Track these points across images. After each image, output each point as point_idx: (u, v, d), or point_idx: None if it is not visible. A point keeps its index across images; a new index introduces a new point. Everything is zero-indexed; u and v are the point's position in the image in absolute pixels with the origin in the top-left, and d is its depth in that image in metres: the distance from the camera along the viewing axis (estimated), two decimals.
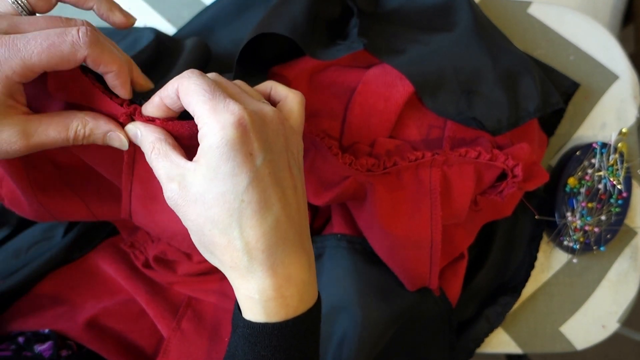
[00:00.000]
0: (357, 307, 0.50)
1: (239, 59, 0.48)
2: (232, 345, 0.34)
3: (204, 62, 0.58)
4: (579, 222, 0.61)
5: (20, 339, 0.48)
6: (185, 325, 0.53)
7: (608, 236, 0.62)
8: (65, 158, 0.44)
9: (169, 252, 0.53)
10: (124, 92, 0.35)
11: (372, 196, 0.49)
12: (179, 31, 0.63)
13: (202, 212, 0.31)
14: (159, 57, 0.57)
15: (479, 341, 0.59)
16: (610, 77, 0.65)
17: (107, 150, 0.40)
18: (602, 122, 0.65)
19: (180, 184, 0.32)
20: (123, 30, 0.61)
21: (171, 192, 0.32)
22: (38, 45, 0.31)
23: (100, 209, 0.48)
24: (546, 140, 0.63)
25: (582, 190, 0.61)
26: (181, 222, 0.34)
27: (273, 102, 0.38)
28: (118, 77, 0.34)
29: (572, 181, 0.61)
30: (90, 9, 0.37)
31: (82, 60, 0.32)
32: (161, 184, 0.33)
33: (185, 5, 0.64)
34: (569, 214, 0.61)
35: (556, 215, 0.61)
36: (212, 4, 0.63)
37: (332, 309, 0.51)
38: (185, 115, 0.34)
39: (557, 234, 0.62)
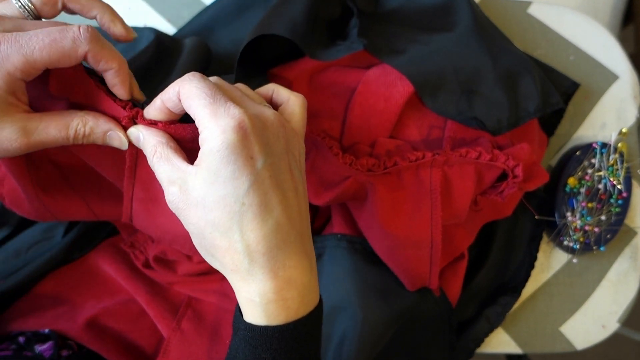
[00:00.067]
0: (357, 307, 0.50)
1: (239, 60, 0.48)
2: (233, 347, 0.34)
3: (206, 63, 0.58)
4: (579, 222, 0.61)
5: (21, 339, 0.48)
6: (185, 325, 0.53)
7: (608, 236, 0.62)
8: (66, 159, 0.44)
9: (169, 252, 0.53)
10: (123, 91, 0.35)
11: (372, 196, 0.49)
12: (179, 31, 0.63)
13: (203, 215, 0.31)
14: (160, 59, 0.57)
15: (479, 341, 0.60)
16: (610, 77, 0.65)
17: (109, 153, 0.40)
18: (602, 122, 0.65)
19: (181, 187, 0.32)
20: None
21: (172, 196, 0.32)
22: (40, 41, 0.31)
23: (101, 209, 0.48)
24: (546, 140, 0.63)
25: (582, 190, 0.61)
26: (182, 225, 0.34)
27: (275, 105, 0.38)
28: (118, 74, 0.34)
29: (572, 181, 0.61)
30: (94, 18, 0.37)
31: (83, 56, 0.32)
32: (163, 187, 0.33)
33: (185, 5, 0.64)
34: (569, 214, 0.61)
35: (556, 215, 0.61)
36: (212, 4, 0.63)
37: (332, 309, 0.51)
38: (187, 118, 0.34)
39: (557, 234, 0.62)
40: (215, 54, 0.60)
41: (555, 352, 0.63)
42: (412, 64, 0.51)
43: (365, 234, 0.52)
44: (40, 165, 0.43)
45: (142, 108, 0.35)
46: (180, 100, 0.32)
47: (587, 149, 0.62)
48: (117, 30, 0.37)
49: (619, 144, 0.62)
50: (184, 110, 0.33)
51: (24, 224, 0.55)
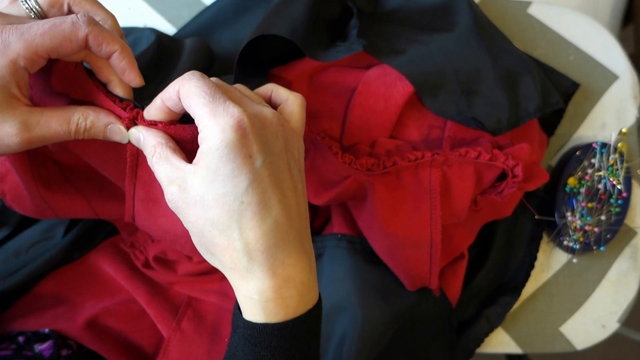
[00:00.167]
0: (357, 307, 0.50)
1: (238, 61, 0.48)
2: (232, 345, 0.35)
3: (208, 64, 0.58)
4: (579, 222, 0.61)
5: (21, 339, 0.48)
6: (185, 325, 0.53)
7: (608, 236, 0.62)
8: (67, 158, 0.44)
9: (169, 252, 0.53)
10: (134, 75, 0.36)
11: (372, 196, 0.49)
12: (179, 31, 0.63)
13: (202, 213, 0.32)
14: (160, 59, 0.57)
15: (479, 341, 0.60)
16: (610, 77, 0.65)
17: (110, 153, 0.40)
18: (602, 122, 0.65)
19: (180, 186, 0.32)
20: (122, 31, 0.60)
21: (171, 195, 0.33)
22: (40, 27, 0.31)
23: (102, 207, 0.48)
24: (546, 140, 0.63)
25: (582, 190, 0.61)
26: (183, 225, 0.34)
27: (274, 105, 0.39)
28: (123, 55, 0.35)
29: (572, 181, 0.61)
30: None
31: (84, 40, 0.32)
32: (162, 187, 0.33)
33: (185, 5, 0.64)
34: (569, 214, 0.61)
35: (556, 215, 0.61)
36: (212, 4, 0.63)
37: (332, 309, 0.51)
38: (188, 118, 0.34)
39: (557, 234, 0.62)
40: (215, 55, 0.60)
41: (555, 352, 0.63)
42: (412, 64, 0.51)
43: (365, 233, 0.52)
44: (43, 162, 0.43)
45: (142, 108, 0.35)
46: (180, 99, 0.33)
47: (587, 149, 0.62)
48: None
49: (619, 144, 0.62)
50: (184, 109, 0.33)
51: (24, 224, 0.55)
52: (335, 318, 0.51)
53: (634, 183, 0.64)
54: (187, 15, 0.64)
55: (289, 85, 0.51)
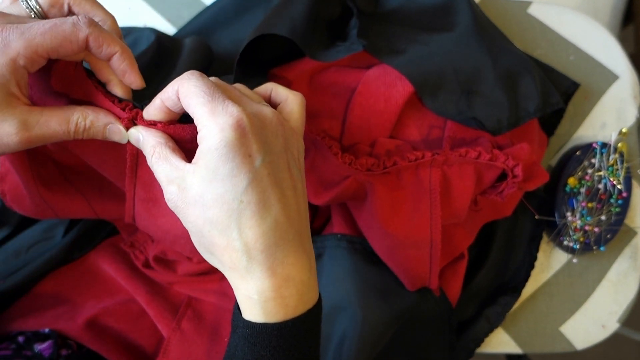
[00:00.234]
0: (357, 307, 0.50)
1: (239, 60, 0.48)
2: (232, 345, 0.35)
3: (207, 63, 0.58)
4: (579, 222, 0.61)
5: (20, 339, 0.48)
6: (185, 325, 0.53)
7: (608, 236, 0.62)
8: (67, 159, 0.44)
9: (169, 252, 0.53)
10: (134, 76, 0.36)
11: (372, 196, 0.49)
12: (179, 31, 0.63)
13: (201, 213, 0.32)
14: (160, 59, 0.57)
15: (479, 341, 0.60)
16: (610, 77, 0.65)
17: (110, 153, 0.40)
18: (602, 122, 0.65)
19: (179, 186, 0.32)
20: (122, 31, 0.60)
21: (171, 195, 0.33)
22: (41, 27, 0.31)
23: (102, 207, 0.48)
24: (546, 140, 0.63)
25: (582, 190, 0.61)
26: (183, 225, 0.34)
27: (274, 104, 0.38)
28: (124, 57, 0.35)
29: (572, 181, 0.61)
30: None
31: (84, 42, 0.32)
32: (162, 187, 0.33)
33: (185, 5, 0.64)
34: (569, 214, 0.61)
35: (556, 215, 0.61)
36: (212, 4, 0.63)
37: (332, 309, 0.51)
38: (188, 118, 0.34)
39: (557, 234, 0.62)
40: (215, 54, 0.60)
41: (555, 352, 0.63)
42: (412, 64, 0.51)
43: (365, 233, 0.52)
44: (42, 162, 0.43)
45: (142, 108, 0.35)
46: (179, 99, 0.32)
47: (587, 149, 0.62)
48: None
49: (619, 144, 0.62)
50: (183, 109, 0.33)
51: (24, 224, 0.55)
52: (335, 318, 0.51)
53: (634, 183, 0.64)
54: (187, 15, 0.64)
55: (289, 85, 0.51)
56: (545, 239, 0.64)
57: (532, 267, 0.61)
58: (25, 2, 0.35)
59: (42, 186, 0.44)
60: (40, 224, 0.55)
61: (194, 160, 0.32)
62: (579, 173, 0.61)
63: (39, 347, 0.47)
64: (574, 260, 0.64)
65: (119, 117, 0.35)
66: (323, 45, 0.52)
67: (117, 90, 0.37)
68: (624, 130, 0.64)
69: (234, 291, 0.34)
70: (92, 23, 0.33)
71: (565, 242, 0.61)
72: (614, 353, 1.27)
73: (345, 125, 0.52)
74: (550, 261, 0.64)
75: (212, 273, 0.55)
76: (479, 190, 0.52)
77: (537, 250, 0.62)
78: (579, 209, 0.61)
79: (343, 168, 0.47)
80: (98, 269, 0.55)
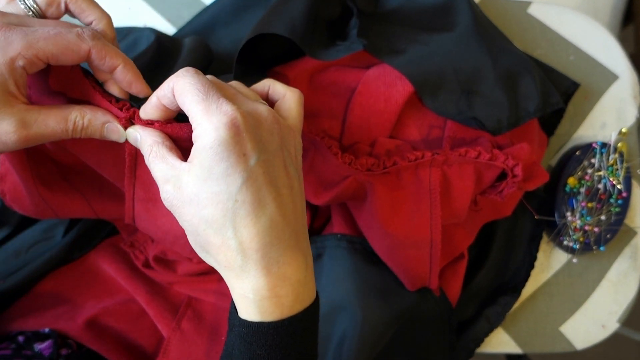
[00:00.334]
0: (357, 307, 0.50)
1: (238, 59, 0.48)
2: (229, 344, 0.35)
3: (207, 63, 0.58)
4: (578, 222, 0.61)
5: (20, 338, 0.48)
6: (185, 325, 0.53)
7: (608, 236, 0.62)
8: (66, 159, 0.44)
9: (169, 252, 0.53)
10: (142, 86, 0.36)
11: (371, 196, 0.49)
12: (179, 31, 0.63)
13: (197, 212, 0.31)
14: (161, 59, 0.57)
15: (479, 341, 0.59)
16: (610, 77, 0.65)
17: (109, 153, 0.40)
18: (602, 122, 0.65)
19: (175, 184, 0.32)
20: (122, 31, 0.61)
21: (166, 193, 0.33)
22: (45, 32, 0.32)
23: (102, 207, 0.48)
24: (546, 140, 0.63)
25: (582, 190, 0.61)
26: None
27: (271, 101, 0.38)
28: (127, 70, 0.35)
29: (572, 181, 0.61)
30: (90, 23, 0.37)
31: (86, 53, 0.33)
32: (158, 186, 0.33)
33: (185, 5, 0.64)
34: (568, 213, 0.61)
35: (556, 215, 0.61)
36: (212, 4, 0.63)
37: (332, 309, 0.51)
38: (185, 115, 0.34)
39: (557, 233, 0.62)
40: (215, 54, 0.60)
41: (555, 352, 0.63)
42: (412, 63, 0.51)
43: (365, 233, 0.52)
44: (42, 162, 0.43)
45: (139, 108, 0.35)
46: (175, 97, 0.32)
47: (587, 149, 0.62)
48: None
49: (619, 144, 0.62)
50: (179, 106, 0.33)
51: (24, 224, 0.55)
52: (335, 318, 0.51)
53: (634, 183, 0.64)
54: (187, 15, 0.64)
55: (288, 83, 0.51)
56: (545, 239, 0.64)
57: (532, 267, 0.61)
58: (22, 2, 0.35)
59: (41, 186, 0.44)
60: (40, 224, 0.55)
61: (189, 159, 0.32)
62: (579, 173, 0.61)
63: (39, 346, 0.47)
64: (574, 260, 0.64)
65: (116, 117, 0.35)
66: (323, 45, 0.52)
67: (115, 90, 0.37)
68: (624, 130, 0.64)
69: (230, 290, 0.34)
70: (96, 36, 0.33)
71: (565, 242, 0.61)
72: (614, 353, 1.27)
73: (345, 125, 0.52)
74: (550, 261, 0.64)
75: (212, 273, 0.55)
76: (478, 190, 0.52)
77: (537, 250, 0.62)
78: (579, 209, 0.61)
79: (343, 168, 0.47)
80: (98, 269, 0.55)
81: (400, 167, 0.48)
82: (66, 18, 0.39)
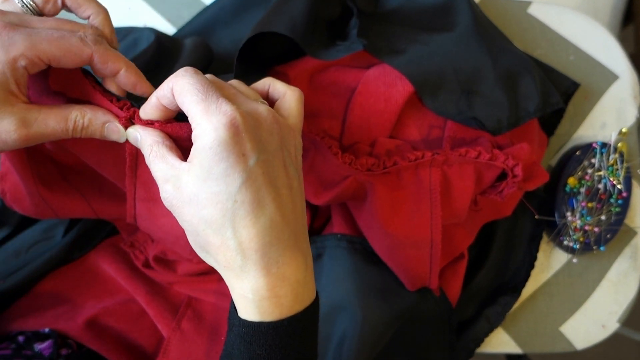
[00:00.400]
0: (357, 307, 0.50)
1: (238, 58, 0.48)
2: (229, 344, 0.35)
3: (207, 63, 0.58)
4: (579, 222, 0.61)
5: (20, 338, 0.48)
6: (185, 325, 0.53)
7: (608, 236, 0.62)
8: (66, 158, 0.44)
9: (169, 252, 0.53)
10: (146, 87, 0.36)
11: (372, 196, 0.49)
12: (179, 31, 0.63)
13: (196, 212, 0.31)
14: (161, 59, 0.57)
15: (479, 341, 0.59)
16: (610, 77, 0.65)
17: (109, 153, 0.40)
18: (602, 122, 0.65)
19: (174, 184, 0.32)
20: (122, 31, 0.61)
21: (166, 193, 0.33)
22: (49, 34, 0.32)
23: (102, 207, 0.48)
24: (546, 140, 0.63)
25: (582, 190, 0.61)
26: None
27: (271, 99, 0.38)
28: (130, 73, 0.35)
29: (572, 181, 0.61)
30: (87, 18, 0.37)
31: (88, 57, 0.33)
32: (158, 186, 0.33)
33: (185, 5, 0.64)
34: (569, 213, 0.61)
35: (556, 215, 0.61)
36: (212, 4, 0.63)
37: (332, 309, 0.51)
38: (185, 115, 0.34)
39: (557, 233, 0.62)
40: (215, 54, 0.60)
41: (555, 352, 0.63)
42: (412, 63, 0.51)
43: (365, 233, 0.52)
44: (42, 161, 0.43)
45: (139, 107, 0.35)
46: (174, 96, 0.32)
47: (587, 149, 0.62)
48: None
49: (619, 144, 0.62)
50: (179, 106, 0.33)
51: (24, 224, 0.55)
52: (335, 318, 0.51)
53: (634, 183, 0.64)
54: (187, 15, 0.64)
55: (289, 83, 0.51)
56: (545, 239, 0.64)
57: (532, 267, 0.61)
58: (20, 0, 0.35)
59: (41, 186, 0.44)
60: (40, 224, 0.55)
61: (189, 159, 0.32)
62: (579, 173, 0.61)
63: (39, 346, 0.47)
64: (574, 260, 0.64)
65: (117, 116, 0.35)
66: (323, 45, 0.52)
67: (113, 87, 0.37)
68: (624, 130, 0.64)
69: (229, 290, 0.34)
70: (98, 41, 0.33)
71: (565, 242, 0.62)
72: (614, 353, 1.27)
73: (345, 125, 0.52)
74: (550, 261, 0.64)
75: (212, 273, 0.55)
76: (479, 190, 0.52)
77: (537, 250, 0.62)
78: (579, 208, 0.61)
79: (343, 168, 0.47)
80: (98, 269, 0.55)
81: (401, 167, 0.48)
82: (63, 14, 0.39)
